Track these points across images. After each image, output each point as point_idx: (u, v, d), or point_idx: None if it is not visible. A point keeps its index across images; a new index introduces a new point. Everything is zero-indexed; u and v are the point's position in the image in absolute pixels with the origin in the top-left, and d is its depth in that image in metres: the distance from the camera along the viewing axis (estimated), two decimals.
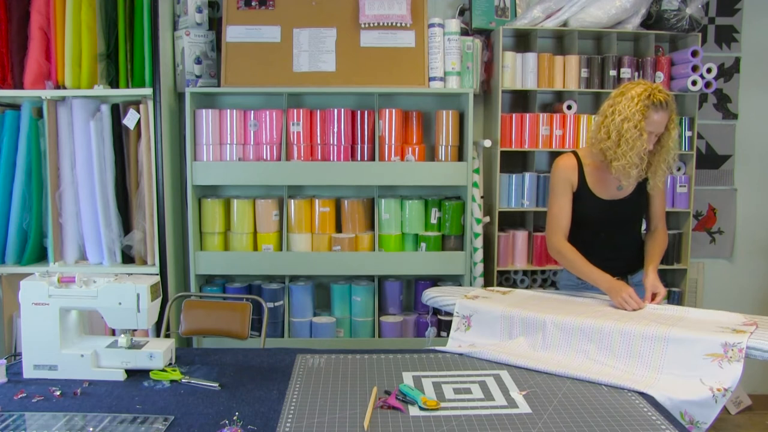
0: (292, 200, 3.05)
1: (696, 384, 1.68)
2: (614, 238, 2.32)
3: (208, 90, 3.03)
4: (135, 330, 1.83)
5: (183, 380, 1.73)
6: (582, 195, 2.28)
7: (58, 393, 1.64)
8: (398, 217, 3.08)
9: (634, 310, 2.06)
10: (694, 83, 3.02)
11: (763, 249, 3.56)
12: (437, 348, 2.02)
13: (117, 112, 2.87)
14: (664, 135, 2.17)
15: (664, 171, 2.23)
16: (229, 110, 3.00)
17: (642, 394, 1.66)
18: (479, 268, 3.06)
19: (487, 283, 3.14)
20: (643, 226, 2.45)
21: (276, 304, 3.06)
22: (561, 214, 2.28)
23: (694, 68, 3.01)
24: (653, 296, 2.15)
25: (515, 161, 3.24)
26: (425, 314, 3.10)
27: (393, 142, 3.02)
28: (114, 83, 2.88)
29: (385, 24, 3.03)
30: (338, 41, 3.04)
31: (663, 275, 3.13)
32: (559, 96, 3.20)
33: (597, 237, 2.31)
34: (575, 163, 2.29)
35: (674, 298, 3.20)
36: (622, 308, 2.07)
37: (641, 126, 2.08)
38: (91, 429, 1.44)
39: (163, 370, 1.76)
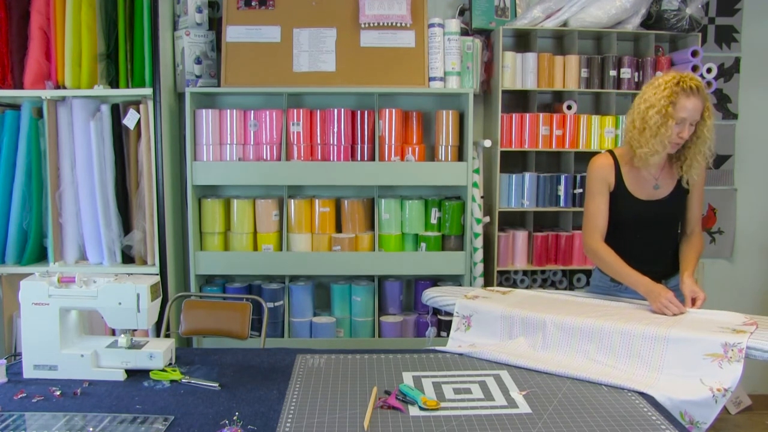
0: (292, 200, 3.05)
1: (696, 384, 1.68)
2: (651, 240, 2.25)
3: (208, 90, 3.03)
4: (135, 330, 1.83)
5: (183, 380, 1.73)
6: (619, 195, 2.22)
7: (58, 393, 1.64)
8: (398, 217, 3.08)
9: (675, 315, 1.97)
10: None
11: (763, 249, 3.56)
12: (437, 348, 2.02)
13: (117, 112, 2.87)
14: (699, 124, 2.09)
15: (700, 163, 2.15)
16: (229, 110, 3.00)
17: (642, 394, 1.66)
18: (479, 268, 3.06)
19: (487, 283, 3.14)
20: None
21: (276, 304, 3.06)
22: (598, 214, 2.22)
23: (694, 68, 3.01)
24: (693, 301, 2.08)
25: (515, 161, 3.24)
26: (425, 314, 3.10)
27: (393, 142, 3.02)
28: (114, 83, 2.88)
29: (385, 24, 3.03)
30: (338, 41, 3.04)
31: None
32: (559, 96, 3.20)
33: (633, 238, 2.24)
34: (612, 161, 2.23)
35: None
36: (661, 313, 1.99)
37: (667, 112, 2.03)
38: (91, 429, 1.44)
39: (163, 370, 1.75)
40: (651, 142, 2.07)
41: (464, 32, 3.13)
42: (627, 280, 2.15)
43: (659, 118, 2.04)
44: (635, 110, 2.14)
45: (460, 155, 3.07)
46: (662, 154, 2.11)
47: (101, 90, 2.83)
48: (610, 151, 2.28)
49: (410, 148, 3.04)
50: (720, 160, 3.49)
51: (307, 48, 3.03)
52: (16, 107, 2.91)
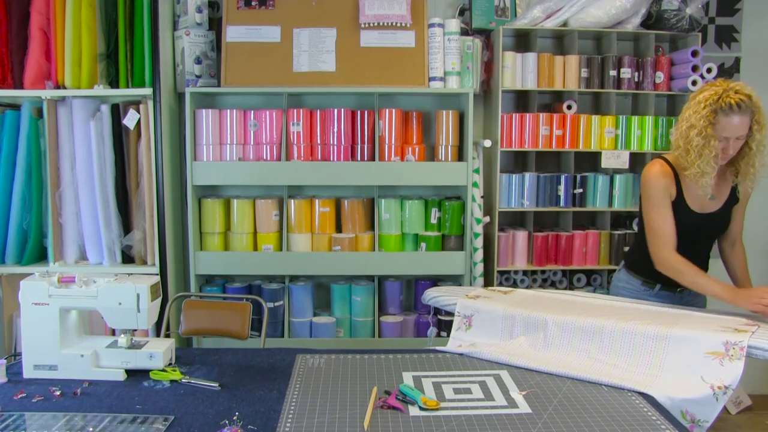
0: (292, 200, 3.05)
1: (697, 382, 1.68)
2: (692, 248, 2.20)
3: (208, 90, 3.03)
4: (135, 330, 1.83)
5: (183, 380, 1.73)
6: (677, 206, 2.15)
7: (58, 393, 1.64)
8: (398, 217, 3.08)
9: None
10: (694, 83, 3.02)
11: (763, 249, 3.56)
12: (437, 348, 2.02)
13: (117, 112, 2.87)
14: (747, 137, 2.03)
15: (753, 175, 2.10)
16: (229, 110, 3.00)
17: (642, 394, 1.66)
18: (479, 268, 3.06)
19: (487, 283, 3.14)
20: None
21: (276, 304, 3.06)
22: (666, 226, 2.13)
23: (694, 68, 3.01)
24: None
25: (515, 161, 3.24)
26: (425, 314, 3.10)
27: (393, 142, 3.02)
28: (114, 83, 2.88)
29: (385, 24, 3.03)
30: (338, 41, 3.04)
31: None
32: (559, 96, 3.20)
33: (679, 249, 2.16)
34: (671, 171, 2.15)
35: None
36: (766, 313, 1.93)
37: (707, 133, 1.98)
38: (91, 429, 1.44)
39: (163, 370, 1.75)
40: (697, 163, 2.02)
41: (464, 32, 3.13)
42: (708, 289, 2.09)
43: (700, 140, 1.99)
44: (679, 127, 2.07)
45: (460, 155, 3.07)
46: (712, 174, 2.05)
47: (101, 90, 2.83)
48: (665, 159, 2.19)
49: (410, 148, 3.04)
50: None
51: (307, 48, 3.03)
52: (16, 107, 2.91)
